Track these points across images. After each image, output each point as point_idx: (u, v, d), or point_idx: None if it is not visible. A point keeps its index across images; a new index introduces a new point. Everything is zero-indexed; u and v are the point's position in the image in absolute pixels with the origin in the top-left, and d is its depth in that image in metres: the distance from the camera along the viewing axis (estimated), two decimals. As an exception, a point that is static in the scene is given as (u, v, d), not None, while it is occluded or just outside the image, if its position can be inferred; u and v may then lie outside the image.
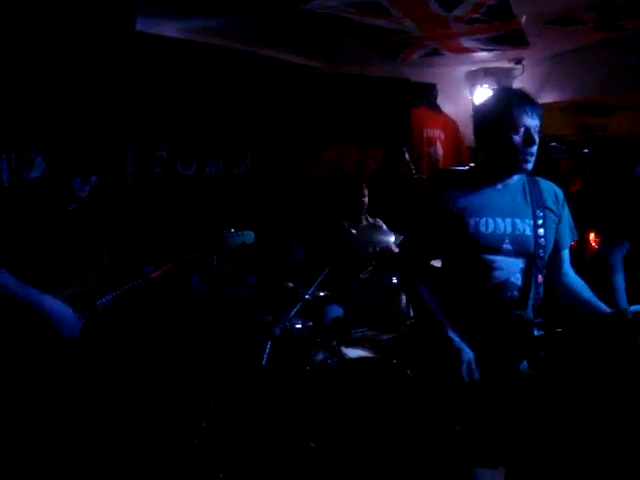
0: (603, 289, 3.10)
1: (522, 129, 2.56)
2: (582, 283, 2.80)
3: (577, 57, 5.26)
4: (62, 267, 2.93)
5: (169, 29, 4.73)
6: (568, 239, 2.79)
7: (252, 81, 5.51)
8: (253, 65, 5.53)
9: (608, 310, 2.65)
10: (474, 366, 2.52)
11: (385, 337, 4.19)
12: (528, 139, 2.55)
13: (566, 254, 2.81)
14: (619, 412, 3.30)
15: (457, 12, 4.30)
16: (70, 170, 2.93)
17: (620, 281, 3.23)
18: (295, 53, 5.53)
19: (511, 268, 2.64)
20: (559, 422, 2.92)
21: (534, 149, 2.57)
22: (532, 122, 2.57)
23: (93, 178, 3.00)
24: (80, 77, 4.29)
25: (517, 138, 2.56)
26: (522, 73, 5.92)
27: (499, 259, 2.63)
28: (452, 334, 2.57)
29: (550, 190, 2.75)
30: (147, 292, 3.10)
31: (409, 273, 2.77)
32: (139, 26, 4.48)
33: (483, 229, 2.62)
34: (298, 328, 4.33)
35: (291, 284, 4.52)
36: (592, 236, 3.68)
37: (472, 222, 2.62)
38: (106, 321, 2.97)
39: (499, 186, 2.69)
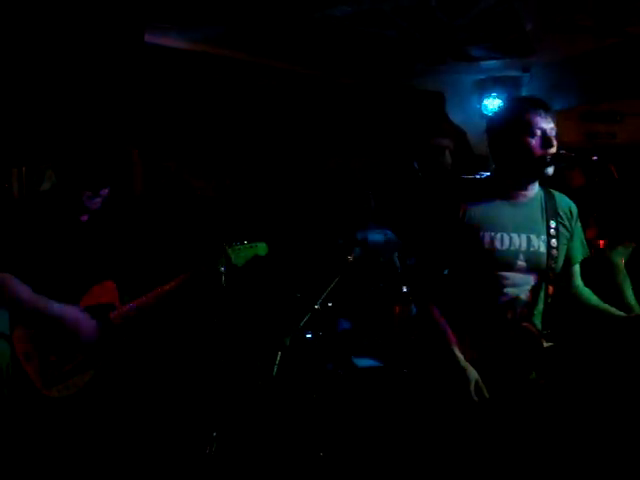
0: (611, 293, 3.09)
1: (538, 132, 2.54)
2: (592, 294, 2.79)
3: (585, 64, 5.24)
4: (75, 279, 2.93)
5: (177, 40, 4.76)
6: (579, 254, 2.78)
7: (259, 92, 5.53)
8: (259, 76, 5.55)
9: (622, 314, 2.65)
10: (480, 385, 2.50)
11: (396, 346, 4.19)
12: (546, 142, 2.54)
13: (577, 268, 2.80)
14: (634, 421, 3.28)
15: (464, 21, 4.31)
16: (81, 183, 2.94)
17: (628, 283, 3.22)
18: (300, 63, 5.54)
19: (522, 285, 2.62)
20: (569, 433, 2.90)
21: (554, 150, 2.55)
22: (547, 125, 2.55)
23: (104, 191, 3.01)
24: (90, 89, 4.32)
25: (534, 142, 2.54)
26: (530, 81, 5.92)
27: (512, 276, 2.60)
28: (458, 353, 2.56)
29: (565, 205, 2.74)
30: (159, 305, 3.10)
31: (421, 292, 2.74)
32: (148, 38, 4.51)
33: (498, 245, 2.59)
34: (308, 338, 4.34)
35: (301, 294, 4.53)
36: (601, 243, 3.67)
37: (487, 237, 2.59)
38: (120, 333, 2.98)
39: (516, 200, 2.65)
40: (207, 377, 4.34)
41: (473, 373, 2.51)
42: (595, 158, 2.62)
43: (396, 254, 4.91)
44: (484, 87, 6.24)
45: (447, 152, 6.35)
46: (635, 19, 4.21)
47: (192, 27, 4.52)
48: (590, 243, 3.50)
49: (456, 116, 6.50)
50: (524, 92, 5.93)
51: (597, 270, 3.19)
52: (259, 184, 5.66)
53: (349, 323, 4.39)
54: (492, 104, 6.05)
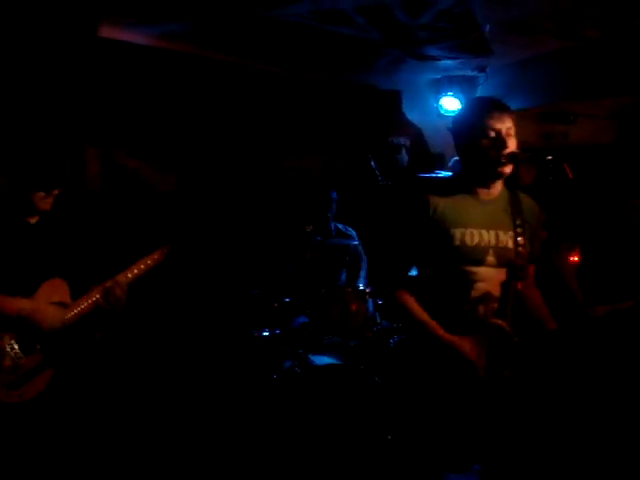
0: (562, 293, 3.16)
1: (492, 133, 2.59)
2: (538, 297, 2.86)
3: (540, 65, 5.32)
4: (24, 279, 2.87)
5: (136, 35, 4.69)
6: (536, 254, 2.84)
7: (215, 88, 5.49)
8: (216, 72, 5.51)
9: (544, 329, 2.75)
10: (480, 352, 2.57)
11: (352, 343, 4.21)
12: (497, 143, 2.59)
13: (533, 268, 2.87)
14: (597, 416, 3.35)
15: (422, 20, 4.33)
16: (31, 183, 2.87)
17: (573, 282, 3.27)
18: (258, 60, 5.52)
19: (492, 280, 2.67)
20: (536, 426, 2.96)
21: (507, 152, 2.60)
22: (502, 125, 2.60)
23: (56, 191, 2.93)
24: (41, 86, 4.23)
25: (488, 143, 2.59)
26: (486, 81, 5.98)
27: (482, 271, 2.65)
28: (448, 335, 2.59)
29: (531, 205, 2.81)
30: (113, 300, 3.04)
31: (392, 284, 2.77)
32: (106, 32, 4.45)
33: (468, 241, 2.64)
34: (265, 336, 4.33)
35: (258, 291, 4.52)
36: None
37: (457, 234, 2.64)
38: (73, 332, 2.93)
39: (482, 197, 2.71)
40: (168, 374, 4.31)
41: (465, 342, 2.58)
42: (549, 157, 2.67)
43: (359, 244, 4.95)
44: (440, 86, 6.28)
45: (404, 150, 6.40)
46: (591, 23, 4.29)
47: (151, 22, 4.46)
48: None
49: (413, 114, 6.54)
50: (480, 92, 5.99)
51: (547, 272, 3.25)
52: (217, 181, 5.62)
53: (306, 319, 4.39)
54: (448, 103, 6.10)
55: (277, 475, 3.70)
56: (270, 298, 4.32)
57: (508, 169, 2.63)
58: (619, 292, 3.30)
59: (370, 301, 4.28)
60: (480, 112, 2.66)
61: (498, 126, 2.60)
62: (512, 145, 2.62)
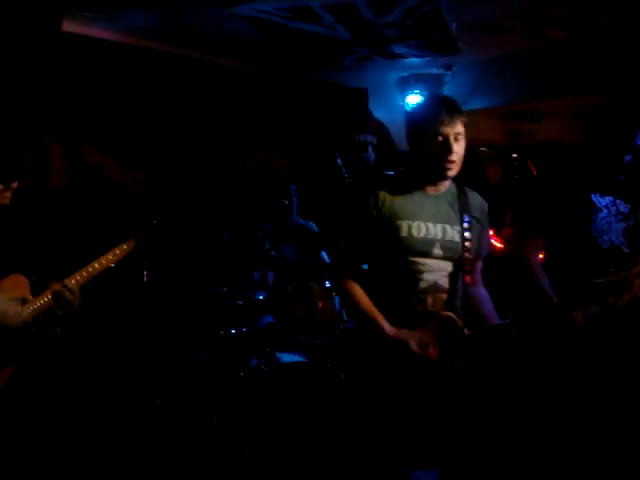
0: (528, 286, 3.18)
1: (440, 138, 2.62)
2: (484, 294, 2.88)
3: (507, 64, 5.38)
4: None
5: (98, 30, 4.64)
6: (484, 250, 2.88)
7: (183, 84, 5.45)
8: (183, 68, 5.47)
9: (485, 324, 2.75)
10: (424, 345, 2.58)
11: (319, 341, 4.21)
12: (444, 148, 2.62)
13: (480, 265, 2.90)
14: (550, 410, 3.38)
15: (389, 18, 4.35)
16: None
17: (543, 277, 3.28)
18: (226, 56, 5.50)
19: (440, 271, 2.70)
20: (488, 420, 2.97)
21: (453, 157, 2.63)
22: (450, 130, 2.63)
23: (15, 183, 2.88)
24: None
25: (434, 147, 2.63)
26: (452, 79, 6.02)
27: (429, 262, 2.68)
28: (391, 328, 2.60)
29: (477, 201, 2.86)
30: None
31: (341, 273, 2.79)
32: (69, 27, 4.39)
33: (415, 233, 2.67)
34: (232, 334, 4.30)
35: (225, 289, 4.49)
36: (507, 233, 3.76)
37: (405, 225, 2.67)
38: (33, 328, 2.89)
39: (430, 192, 2.76)
40: (131, 373, 4.27)
41: (410, 336, 2.59)
42: (515, 155, 2.69)
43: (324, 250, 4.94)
44: (407, 84, 6.31)
45: (370, 148, 6.41)
46: (558, 23, 4.34)
47: (116, 17, 4.41)
48: (508, 241, 3.58)
49: (379, 112, 6.56)
50: (446, 90, 6.03)
51: (514, 267, 3.27)
52: (182, 178, 5.58)
53: (272, 317, 4.37)
54: (414, 101, 6.12)
55: (244, 472, 3.69)
56: (235, 296, 4.30)
57: (453, 172, 2.68)
58: (581, 292, 3.33)
59: (337, 298, 4.28)
60: (430, 115, 2.68)
61: (447, 131, 2.62)
62: (459, 150, 2.65)
